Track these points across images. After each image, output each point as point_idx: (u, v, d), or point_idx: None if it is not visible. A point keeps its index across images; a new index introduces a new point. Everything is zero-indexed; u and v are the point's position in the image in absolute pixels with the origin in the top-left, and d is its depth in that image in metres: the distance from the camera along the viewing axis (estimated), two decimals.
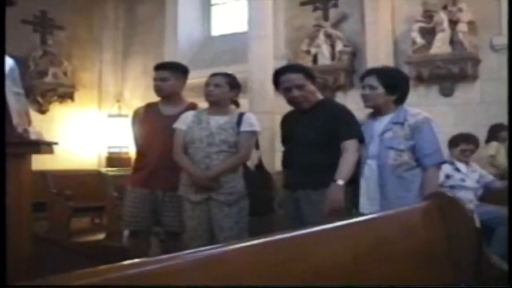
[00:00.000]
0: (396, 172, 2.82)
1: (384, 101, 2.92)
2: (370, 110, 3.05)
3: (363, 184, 2.92)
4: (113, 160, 9.00)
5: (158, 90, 3.62)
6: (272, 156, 5.89)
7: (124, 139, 8.42)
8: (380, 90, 2.90)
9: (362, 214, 2.73)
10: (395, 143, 2.83)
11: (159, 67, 3.65)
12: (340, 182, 2.84)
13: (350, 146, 2.91)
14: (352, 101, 6.44)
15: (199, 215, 3.28)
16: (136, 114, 3.71)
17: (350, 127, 2.97)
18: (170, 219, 3.51)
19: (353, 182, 2.92)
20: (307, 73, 3.14)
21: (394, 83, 2.93)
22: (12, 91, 2.56)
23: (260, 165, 3.51)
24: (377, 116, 2.98)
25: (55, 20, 8.93)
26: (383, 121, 2.93)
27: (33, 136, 2.61)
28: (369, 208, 2.84)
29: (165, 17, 9.26)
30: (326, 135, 2.97)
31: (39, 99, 8.68)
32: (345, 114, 3.06)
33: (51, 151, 2.71)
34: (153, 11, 9.40)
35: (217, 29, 9.45)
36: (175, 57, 8.14)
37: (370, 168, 2.90)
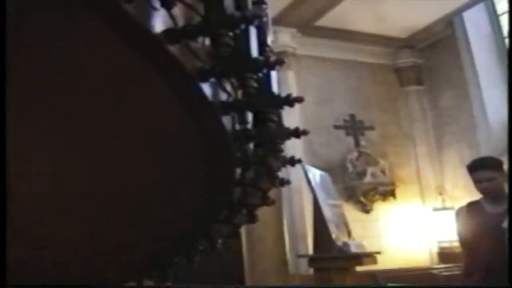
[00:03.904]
0: None
1: None
2: None
3: None
4: (445, 255, 8.51)
5: (486, 192, 3.37)
6: None
7: (453, 233, 7.93)
8: None
9: None
10: None
11: (479, 167, 3.38)
12: None
13: None
14: None
15: None
16: (458, 215, 3.48)
17: None
18: None
19: None
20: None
21: None
22: (328, 203, 2.57)
23: None
24: None
25: (364, 121, 9.22)
26: None
27: (353, 249, 2.55)
28: None
29: (470, 102, 8.75)
30: None
31: (362, 199, 8.86)
32: None
33: (374, 262, 2.61)
34: (457, 98, 9.00)
35: None
36: (490, 143, 7.56)
37: None
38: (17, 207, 1.30)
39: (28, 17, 0.97)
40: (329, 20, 8.35)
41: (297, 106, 1.32)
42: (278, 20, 7.81)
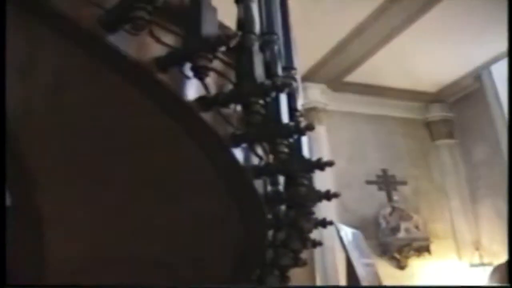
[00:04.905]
0: None
1: None
2: None
3: None
4: None
5: None
6: None
7: None
8: None
9: None
10: None
11: None
12: None
13: None
14: None
15: None
16: (494, 272, 3.40)
17: None
18: None
19: None
20: None
21: None
22: (361, 262, 2.54)
23: None
24: None
25: (396, 176, 9.12)
26: None
27: None
28: None
29: (503, 154, 8.60)
30: None
31: (396, 255, 8.66)
32: None
33: None
34: (490, 150, 8.87)
35: None
36: None
37: None
38: (51, 268, 1.32)
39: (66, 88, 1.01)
40: (358, 75, 8.43)
41: None
42: (308, 76, 7.92)
